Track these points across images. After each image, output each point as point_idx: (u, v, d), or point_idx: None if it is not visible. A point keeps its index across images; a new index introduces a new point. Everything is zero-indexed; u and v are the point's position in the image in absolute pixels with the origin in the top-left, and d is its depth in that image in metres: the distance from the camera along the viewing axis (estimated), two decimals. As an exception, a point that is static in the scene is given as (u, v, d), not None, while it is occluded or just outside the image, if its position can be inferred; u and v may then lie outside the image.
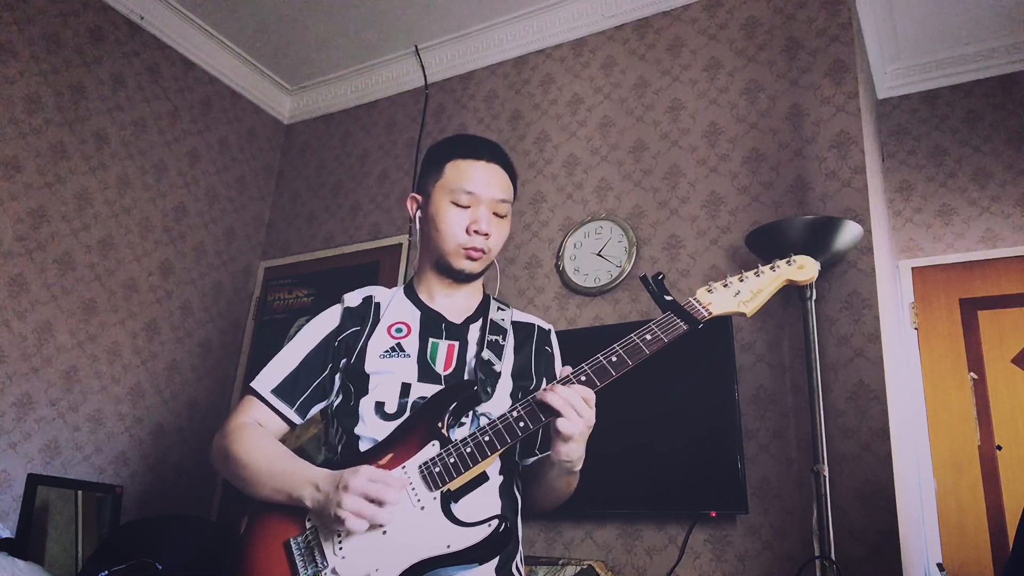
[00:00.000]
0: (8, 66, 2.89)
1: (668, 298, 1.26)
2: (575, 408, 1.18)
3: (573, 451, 1.22)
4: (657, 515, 2.45)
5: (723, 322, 2.43)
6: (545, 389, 1.21)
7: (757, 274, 1.30)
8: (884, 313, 2.45)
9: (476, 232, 1.37)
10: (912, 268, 3.20)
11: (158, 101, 3.44)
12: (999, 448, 2.89)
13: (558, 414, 1.19)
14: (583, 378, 1.22)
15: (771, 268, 1.31)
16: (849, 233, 2.30)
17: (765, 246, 2.34)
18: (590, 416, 1.20)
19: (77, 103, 3.11)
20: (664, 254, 2.76)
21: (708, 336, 2.49)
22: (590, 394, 1.20)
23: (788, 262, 1.31)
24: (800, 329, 2.39)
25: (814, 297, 2.32)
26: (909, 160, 3.32)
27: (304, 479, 1.22)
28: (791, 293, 2.45)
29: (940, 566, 2.74)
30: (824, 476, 2.11)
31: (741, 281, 1.29)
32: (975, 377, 2.99)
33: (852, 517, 2.18)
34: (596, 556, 2.49)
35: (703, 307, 1.26)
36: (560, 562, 2.33)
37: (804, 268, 1.30)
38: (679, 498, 2.38)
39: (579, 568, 2.29)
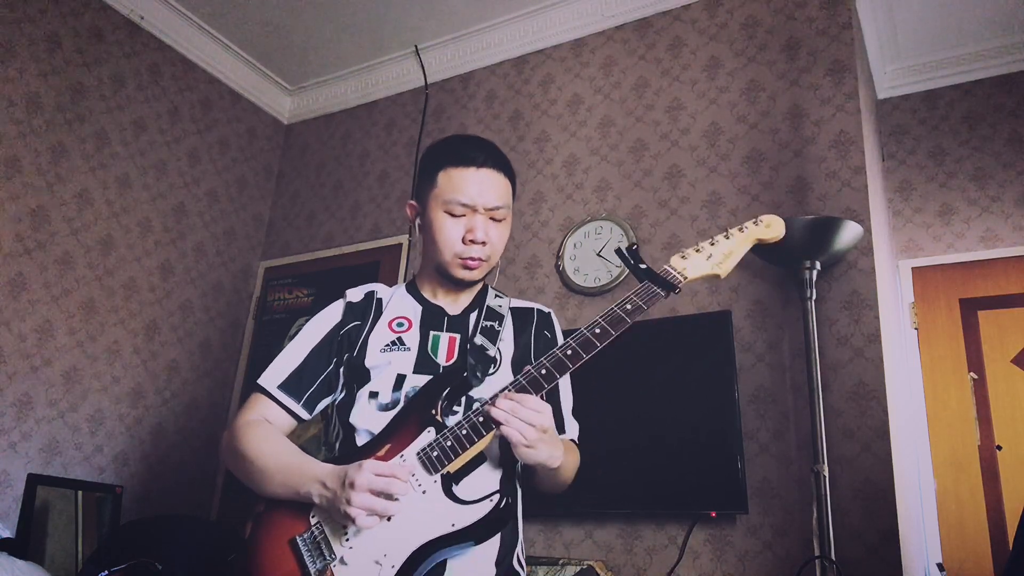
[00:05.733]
0: (8, 66, 2.89)
1: (643, 267, 1.30)
2: (520, 418, 1.18)
3: (537, 455, 1.22)
4: (657, 515, 2.45)
5: (724, 321, 2.44)
6: (493, 398, 1.22)
7: (727, 237, 1.35)
8: (884, 313, 2.45)
9: (472, 242, 1.36)
10: (912, 268, 3.20)
11: (158, 101, 3.44)
12: (999, 448, 2.89)
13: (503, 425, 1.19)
14: (543, 371, 1.23)
15: (739, 230, 1.36)
16: (849, 233, 2.30)
17: (765, 246, 2.34)
18: (541, 420, 1.20)
19: (77, 103, 3.11)
20: (664, 254, 2.76)
21: (708, 336, 2.51)
22: (532, 400, 1.20)
23: (755, 222, 1.38)
24: (800, 329, 2.39)
25: (814, 297, 2.32)
26: (909, 160, 3.32)
27: (311, 476, 1.23)
28: (791, 293, 2.45)
29: (940, 566, 2.74)
30: (824, 476, 2.11)
31: (712, 245, 1.34)
32: (975, 377, 2.99)
33: (852, 517, 2.18)
34: (596, 556, 2.49)
35: (678, 272, 1.30)
36: (560, 562, 2.33)
37: (771, 226, 1.37)
38: (679, 498, 2.38)
39: (579, 568, 2.29)
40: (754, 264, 2.55)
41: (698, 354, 2.45)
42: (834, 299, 2.42)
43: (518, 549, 1.36)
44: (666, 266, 1.30)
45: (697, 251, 1.33)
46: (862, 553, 2.13)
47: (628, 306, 1.26)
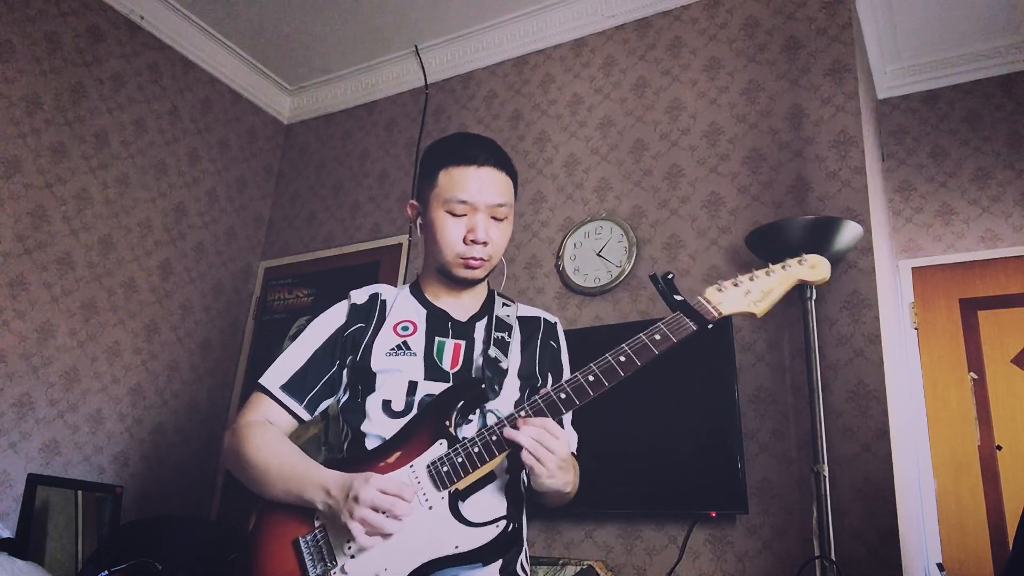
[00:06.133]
0: (8, 66, 2.89)
1: (678, 298, 1.24)
2: (544, 446, 1.17)
3: (554, 483, 1.21)
4: (657, 515, 2.45)
5: (723, 322, 2.42)
6: (511, 420, 1.20)
7: (768, 273, 1.27)
8: (884, 313, 2.45)
9: (474, 241, 1.35)
10: (912, 268, 3.20)
11: (158, 101, 3.44)
12: (999, 448, 2.89)
13: (526, 450, 1.18)
14: (563, 395, 1.21)
15: (782, 267, 1.28)
16: (849, 233, 2.30)
17: (765, 246, 2.34)
18: (561, 449, 1.19)
19: (77, 103, 3.11)
20: (664, 254, 2.76)
21: (708, 336, 2.49)
22: (554, 426, 1.19)
23: (800, 261, 1.28)
24: (800, 329, 2.39)
25: (814, 297, 2.32)
26: (909, 160, 3.32)
27: (315, 482, 1.22)
28: (791, 293, 2.44)
29: (940, 566, 2.74)
30: (824, 476, 2.11)
31: (751, 280, 1.26)
32: (975, 377, 2.99)
33: (852, 517, 2.18)
34: (596, 556, 2.49)
35: (713, 307, 1.24)
36: (560, 562, 2.33)
37: (816, 268, 1.28)
38: (679, 498, 2.38)
39: (579, 568, 2.29)
40: (754, 265, 2.54)
41: (698, 354, 2.44)
42: (834, 299, 2.42)
43: (522, 556, 1.35)
44: (700, 298, 1.25)
45: (735, 285, 1.26)
46: (862, 553, 2.13)
47: (656, 336, 1.22)
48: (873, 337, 2.33)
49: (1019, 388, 2.92)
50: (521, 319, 1.47)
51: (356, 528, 1.14)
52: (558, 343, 1.50)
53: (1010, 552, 1.98)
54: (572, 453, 1.45)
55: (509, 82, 3.41)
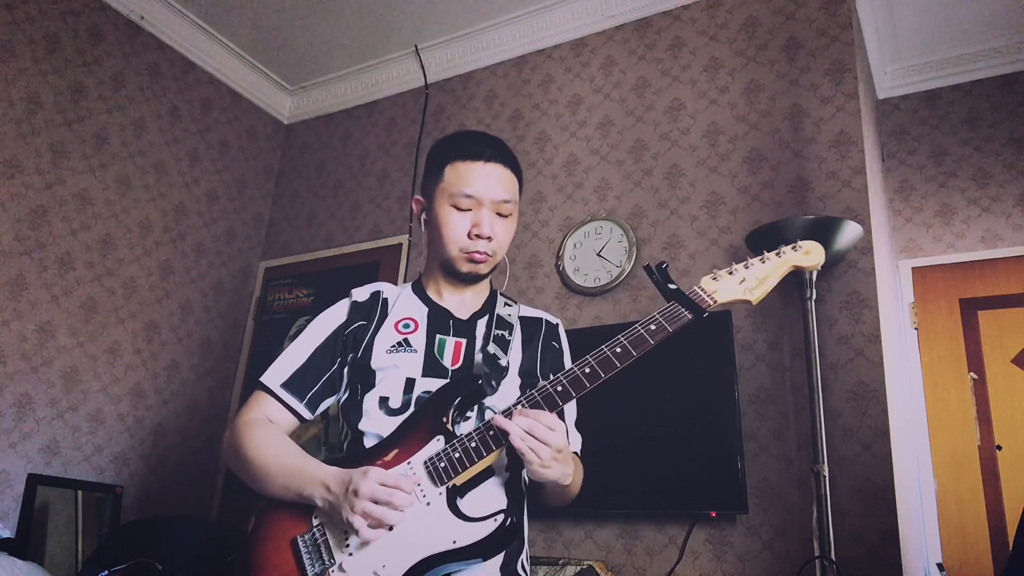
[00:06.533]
0: (8, 66, 2.89)
1: (672, 287, 1.24)
2: (536, 437, 1.16)
3: (550, 474, 1.20)
4: (657, 515, 2.45)
5: (723, 321, 2.44)
6: (506, 412, 1.20)
7: (762, 261, 1.27)
8: (884, 313, 2.45)
9: (478, 236, 1.35)
10: (912, 268, 3.20)
11: (158, 101, 3.44)
12: (999, 448, 2.89)
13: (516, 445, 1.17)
14: (559, 387, 1.20)
15: (776, 254, 1.28)
16: (849, 233, 2.30)
17: (765, 246, 2.30)
18: (556, 439, 1.17)
19: (77, 103, 3.11)
20: (664, 254, 2.76)
21: (708, 336, 2.51)
22: (549, 418, 1.18)
23: (794, 248, 1.29)
24: (800, 329, 2.39)
25: (814, 297, 2.32)
26: (909, 160, 3.32)
27: (314, 478, 1.22)
28: (791, 293, 2.45)
29: (940, 566, 2.74)
30: (824, 476, 2.11)
31: (746, 268, 1.26)
32: (975, 377, 2.99)
33: (852, 517, 2.18)
34: (596, 556, 2.49)
35: (708, 295, 1.24)
36: (560, 562, 2.33)
37: (810, 254, 1.28)
38: (679, 498, 2.38)
39: (579, 568, 2.29)
40: (754, 264, 2.54)
41: (698, 354, 2.45)
42: (834, 299, 2.42)
43: (523, 556, 1.35)
44: (695, 287, 1.25)
45: (730, 273, 1.26)
46: (862, 553, 2.13)
47: (652, 326, 1.21)
48: (873, 337, 2.33)
49: (1019, 388, 2.92)
50: (523, 319, 1.47)
51: (358, 521, 1.14)
52: (560, 345, 1.50)
53: (1010, 552, 1.98)
54: (575, 453, 1.45)
55: (509, 82, 3.42)
